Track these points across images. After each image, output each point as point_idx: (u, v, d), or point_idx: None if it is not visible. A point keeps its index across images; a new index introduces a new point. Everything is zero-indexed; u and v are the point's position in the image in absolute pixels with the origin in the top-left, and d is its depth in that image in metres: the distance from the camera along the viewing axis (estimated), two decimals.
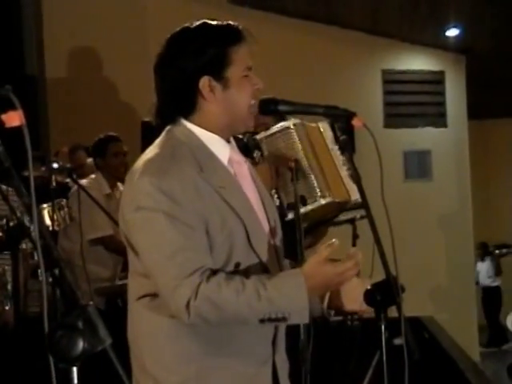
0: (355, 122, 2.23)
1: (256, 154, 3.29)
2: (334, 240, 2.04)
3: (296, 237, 3.02)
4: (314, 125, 3.38)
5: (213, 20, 2.14)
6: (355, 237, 4.96)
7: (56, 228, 4.65)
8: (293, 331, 2.58)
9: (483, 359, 9.74)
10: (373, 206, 2.23)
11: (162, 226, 1.97)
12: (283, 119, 3.33)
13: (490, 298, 12.79)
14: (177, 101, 2.11)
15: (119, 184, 5.33)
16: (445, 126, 9.25)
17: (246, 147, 3.18)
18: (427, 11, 8.19)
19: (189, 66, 2.07)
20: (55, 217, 4.57)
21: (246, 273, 2.02)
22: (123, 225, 2.08)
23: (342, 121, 2.25)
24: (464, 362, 5.63)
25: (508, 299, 12.69)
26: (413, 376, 2.15)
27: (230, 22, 2.14)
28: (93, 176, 5.46)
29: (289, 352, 2.25)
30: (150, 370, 2.08)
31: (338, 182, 3.35)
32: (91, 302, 1.53)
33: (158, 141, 2.13)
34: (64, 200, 4.78)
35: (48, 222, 4.57)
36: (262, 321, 1.98)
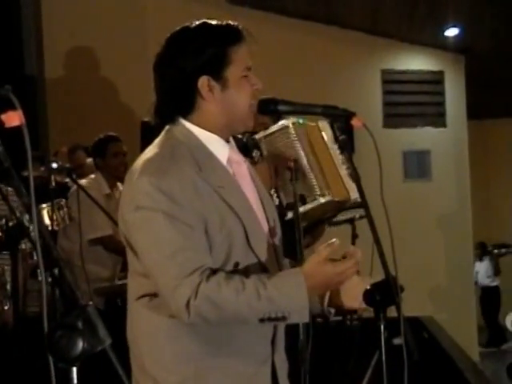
0: (354, 122, 2.23)
1: (255, 153, 3.29)
2: (334, 239, 2.04)
3: (295, 236, 3.02)
4: (313, 124, 3.38)
5: (213, 20, 2.14)
6: (354, 236, 4.97)
7: (55, 228, 4.65)
8: (292, 331, 2.58)
9: (482, 359, 9.74)
10: (372, 206, 2.23)
11: (161, 226, 1.97)
12: (280, 119, 3.33)
13: (489, 298, 12.79)
14: (176, 100, 2.11)
15: (119, 184, 5.33)
16: (444, 125, 9.25)
17: (245, 147, 3.18)
18: (426, 11, 8.19)
19: (188, 65, 2.07)
20: (54, 217, 4.57)
21: (245, 272, 2.02)
22: (122, 224, 2.08)
23: (342, 121, 2.25)
24: (463, 362, 5.63)
25: (507, 299, 12.70)
26: (412, 376, 2.15)
27: (230, 22, 2.14)
28: (92, 176, 5.46)
29: (288, 352, 2.25)
30: (149, 370, 2.08)
31: (338, 180, 3.35)
32: (91, 302, 1.53)
33: (157, 140, 2.14)
34: (63, 200, 4.78)
35: (47, 221, 4.57)
36: (261, 320, 1.98)
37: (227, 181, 2.10)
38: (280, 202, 3.22)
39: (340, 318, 5.28)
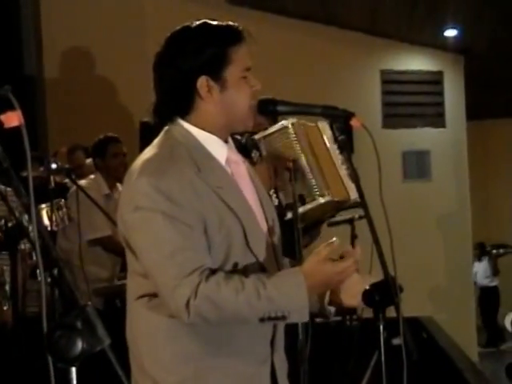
0: (354, 123, 2.23)
1: (254, 154, 3.29)
2: (334, 239, 2.05)
3: (294, 236, 3.02)
4: (312, 124, 3.38)
5: (213, 20, 2.14)
6: (354, 237, 4.98)
7: (54, 228, 4.65)
8: (291, 331, 2.59)
9: (482, 359, 9.74)
10: (371, 207, 2.23)
11: (160, 226, 1.97)
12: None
13: (488, 298, 12.79)
14: (174, 100, 2.11)
15: (118, 185, 5.33)
16: (443, 126, 9.25)
17: (244, 147, 3.18)
18: (425, 11, 8.18)
19: (187, 65, 2.07)
20: (54, 217, 4.56)
21: (244, 272, 2.02)
22: (121, 225, 2.08)
23: (341, 121, 2.25)
24: (462, 362, 5.64)
25: (505, 299, 12.70)
26: (411, 376, 2.16)
27: (231, 23, 2.14)
28: (92, 176, 5.45)
29: (287, 352, 2.26)
30: (148, 370, 2.08)
31: (337, 180, 3.34)
32: (90, 303, 1.53)
33: (156, 141, 2.14)
34: (62, 200, 4.77)
35: (46, 222, 4.56)
36: (261, 320, 1.98)
37: (226, 181, 2.10)
38: (279, 202, 3.22)
39: (340, 318, 5.28)
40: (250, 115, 2.14)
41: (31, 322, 3.96)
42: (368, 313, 2.23)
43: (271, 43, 7.64)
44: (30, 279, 4.37)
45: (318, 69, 8.57)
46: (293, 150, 3.24)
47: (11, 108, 1.57)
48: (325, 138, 3.40)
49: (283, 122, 3.27)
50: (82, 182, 5.22)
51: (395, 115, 9.04)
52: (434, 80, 9.22)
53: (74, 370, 1.51)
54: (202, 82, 2.07)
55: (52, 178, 4.60)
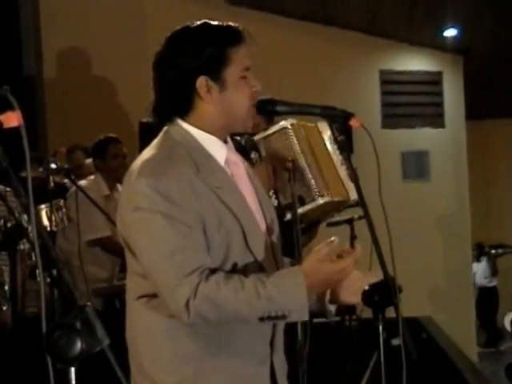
0: (353, 123, 2.23)
1: (254, 155, 3.29)
2: (333, 238, 2.05)
3: (293, 236, 3.02)
4: (312, 125, 3.38)
5: (213, 20, 2.14)
6: (353, 237, 4.97)
7: (54, 229, 4.64)
8: (290, 331, 2.59)
9: (481, 359, 9.75)
10: (371, 207, 2.23)
11: (159, 227, 1.97)
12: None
13: (487, 299, 12.78)
14: (174, 100, 2.11)
15: (118, 185, 5.33)
16: (443, 126, 9.25)
17: (244, 148, 3.18)
18: (425, 12, 8.18)
19: (186, 65, 2.07)
20: (53, 217, 4.56)
21: (243, 273, 2.02)
22: (121, 225, 2.08)
23: (340, 121, 2.25)
24: (462, 362, 5.64)
25: (504, 299, 12.70)
26: (411, 376, 2.16)
27: (231, 23, 2.14)
28: (92, 177, 5.45)
29: (287, 352, 2.26)
30: (147, 371, 2.08)
31: (337, 181, 3.34)
32: (89, 303, 1.54)
33: (155, 141, 2.14)
34: (62, 200, 4.77)
35: (46, 222, 4.56)
36: (261, 319, 1.98)
37: (225, 181, 2.10)
38: (279, 203, 3.22)
39: (339, 318, 5.28)
40: (249, 116, 2.14)
41: (30, 322, 3.96)
42: (367, 313, 2.23)
43: (270, 43, 7.63)
44: (29, 279, 4.36)
45: (317, 69, 8.57)
46: (292, 150, 3.24)
47: (10, 108, 1.57)
48: (324, 138, 3.40)
49: (283, 123, 3.26)
50: (82, 183, 5.22)
51: (394, 115, 9.04)
52: (434, 80, 9.22)
53: (73, 370, 1.51)
54: (202, 81, 2.07)
55: (51, 178, 4.60)
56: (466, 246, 9.53)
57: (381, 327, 2.19)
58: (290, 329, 2.52)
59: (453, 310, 8.93)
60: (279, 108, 2.27)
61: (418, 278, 8.05)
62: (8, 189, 3.88)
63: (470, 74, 9.21)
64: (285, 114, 2.30)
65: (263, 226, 2.17)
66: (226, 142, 2.17)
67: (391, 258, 2.14)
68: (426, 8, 8.09)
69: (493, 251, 12.93)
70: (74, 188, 5.01)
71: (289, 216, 3.15)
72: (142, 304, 2.08)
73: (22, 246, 4.09)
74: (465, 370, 5.40)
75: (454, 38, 8.89)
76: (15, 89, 1.60)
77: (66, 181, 5.34)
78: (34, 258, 4.21)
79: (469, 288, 9.61)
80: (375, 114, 8.86)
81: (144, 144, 2.19)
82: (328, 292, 2.21)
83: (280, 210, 3.13)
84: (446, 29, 8.71)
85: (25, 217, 3.58)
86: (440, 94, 9.24)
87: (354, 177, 2.32)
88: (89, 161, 5.87)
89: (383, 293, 2.14)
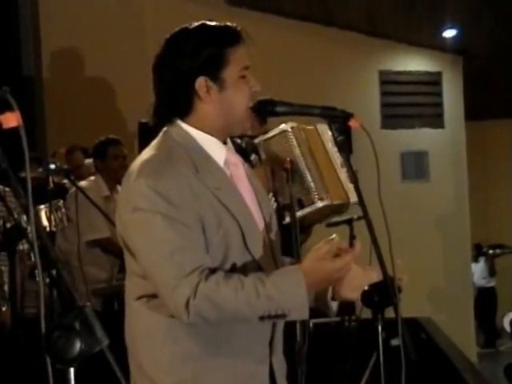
0: (352, 123, 2.23)
1: (253, 157, 3.29)
2: (333, 235, 2.05)
3: (292, 237, 3.02)
4: (311, 127, 3.37)
5: (212, 21, 2.14)
6: (352, 237, 4.97)
7: (53, 229, 4.64)
8: (290, 331, 2.58)
9: (480, 360, 9.75)
10: (370, 207, 2.23)
11: (159, 227, 1.97)
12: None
13: (485, 299, 12.77)
14: (173, 101, 2.11)
15: (118, 186, 5.33)
16: (442, 126, 9.25)
17: (244, 151, 3.18)
18: (424, 12, 8.19)
19: (185, 66, 2.07)
20: (52, 218, 4.56)
21: (242, 273, 2.02)
22: (120, 225, 2.09)
23: (339, 122, 2.25)
24: (461, 363, 5.64)
25: (502, 300, 12.69)
26: (410, 376, 2.16)
27: (229, 24, 2.14)
28: (92, 178, 5.46)
29: (286, 352, 2.26)
30: (146, 371, 2.08)
31: (337, 184, 3.34)
32: (88, 303, 1.53)
33: (154, 142, 2.14)
34: (61, 201, 4.77)
35: (45, 223, 4.56)
36: (261, 318, 1.98)
37: (224, 182, 2.10)
38: (278, 205, 3.22)
39: (339, 318, 5.28)
40: (247, 116, 2.14)
41: (30, 322, 3.97)
42: (367, 313, 2.23)
43: (270, 44, 7.64)
44: (28, 280, 4.37)
45: (317, 69, 8.57)
46: (292, 153, 3.24)
47: (10, 109, 1.57)
48: (324, 140, 3.39)
49: (283, 126, 3.26)
50: (82, 183, 5.22)
51: (394, 116, 9.04)
52: (433, 80, 9.22)
53: (72, 370, 1.51)
54: (201, 82, 2.07)
55: (51, 178, 4.60)
56: (465, 246, 9.53)
57: (380, 327, 2.19)
58: (290, 329, 2.51)
59: (452, 310, 8.93)
60: (279, 108, 2.27)
61: (418, 278, 8.04)
62: (7, 189, 3.88)
63: (470, 74, 9.21)
64: (284, 115, 2.30)
65: (262, 227, 2.17)
66: (225, 143, 2.17)
67: (390, 258, 2.14)
68: (425, 8, 8.09)
69: (491, 251, 12.91)
70: (73, 189, 5.01)
71: (287, 219, 3.15)
72: (142, 304, 2.08)
73: (21, 247, 4.10)
74: (464, 371, 5.40)
75: (453, 38, 8.90)
76: (14, 89, 1.60)
77: (65, 181, 5.34)
78: (33, 259, 4.21)
79: (468, 288, 9.62)
80: (374, 115, 8.86)
81: (143, 144, 2.19)
82: (330, 289, 2.20)
83: (279, 213, 3.12)
84: (446, 29, 8.71)
85: (24, 217, 3.58)
86: (439, 94, 9.24)
87: (352, 177, 2.32)
88: (88, 161, 5.88)
89: (382, 293, 2.14)
